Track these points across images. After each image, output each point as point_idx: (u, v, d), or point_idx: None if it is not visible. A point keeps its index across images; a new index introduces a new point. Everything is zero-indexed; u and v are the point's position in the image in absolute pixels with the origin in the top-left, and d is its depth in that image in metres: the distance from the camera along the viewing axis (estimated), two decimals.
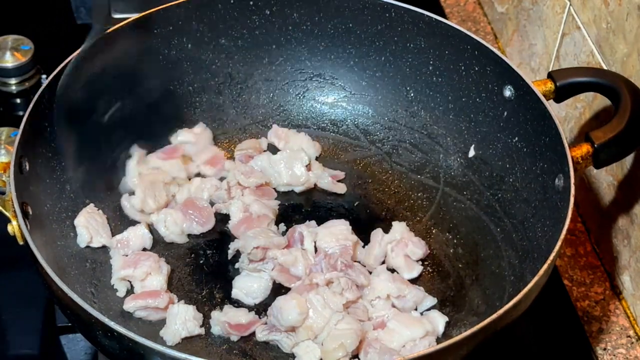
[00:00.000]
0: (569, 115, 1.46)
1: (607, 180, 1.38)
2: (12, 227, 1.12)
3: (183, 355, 0.97)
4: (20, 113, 1.24)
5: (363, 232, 1.33)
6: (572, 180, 1.16)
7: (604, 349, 1.31)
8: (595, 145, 1.20)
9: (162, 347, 0.98)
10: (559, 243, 1.10)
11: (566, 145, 1.20)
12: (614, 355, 1.31)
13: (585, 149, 1.21)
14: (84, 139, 1.27)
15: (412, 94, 1.44)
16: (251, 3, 1.42)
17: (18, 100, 1.58)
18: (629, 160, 1.32)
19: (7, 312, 1.31)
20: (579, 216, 1.46)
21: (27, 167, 1.19)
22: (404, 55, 1.43)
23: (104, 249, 1.28)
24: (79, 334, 1.24)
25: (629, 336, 1.33)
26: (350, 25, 1.43)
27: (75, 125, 1.26)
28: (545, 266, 1.09)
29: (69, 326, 1.27)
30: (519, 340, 1.31)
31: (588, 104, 1.40)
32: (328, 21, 1.44)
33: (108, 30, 1.31)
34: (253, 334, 1.20)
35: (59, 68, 1.25)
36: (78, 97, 1.26)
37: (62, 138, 1.24)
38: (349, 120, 1.48)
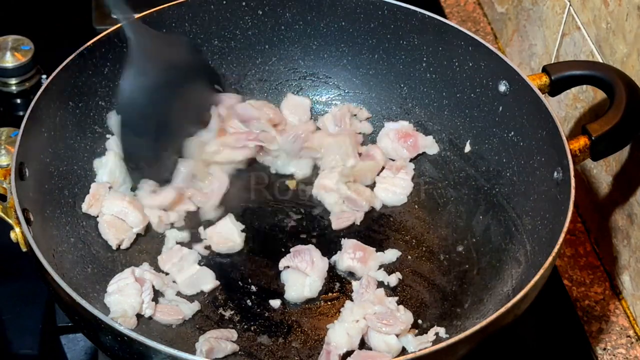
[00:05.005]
0: (569, 115, 1.47)
1: (606, 180, 1.38)
2: (15, 234, 1.11)
3: (196, 358, 0.97)
4: (21, 113, 1.24)
5: (362, 232, 1.34)
6: (572, 173, 1.17)
7: (604, 349, 1.32)
8: (593, 138, 1.21)
9: (174, 350, 0.98)
10: (562, 235, 1.11)
11: (564, 138, 1.20)
12: (614, 355, 1.31)
13: (582, 141, 1.21)
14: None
15: (406, 91, 1.45)
16: (243, 4, 1.42)
17: (18, 101, 1.58)
18: (628, 159, 1.32)
19: (7, 312, 1.30)
20: (578, 216, 1.47)
21: (27, 173, 1.19)
22: (397, 52, 1.43)
23: (104, 253, 1.28)
24: (79, 334, 1.25)
25: (629, 336, 1.33)
26: (343, 23, 1.44)
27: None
28: (550, 259, 1.09)
29: (69, 326, 1.26)
30: (519, 340, 1.31)
31: (588, 103, 1.41)
32: (321, 20, 1.44)
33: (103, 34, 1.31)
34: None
35: (57, 70, 1.25)
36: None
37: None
38: None
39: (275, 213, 1.37)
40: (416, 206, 1.38)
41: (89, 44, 1.30)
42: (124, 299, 1.20)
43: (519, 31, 1.64)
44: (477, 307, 1.24)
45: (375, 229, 1.36)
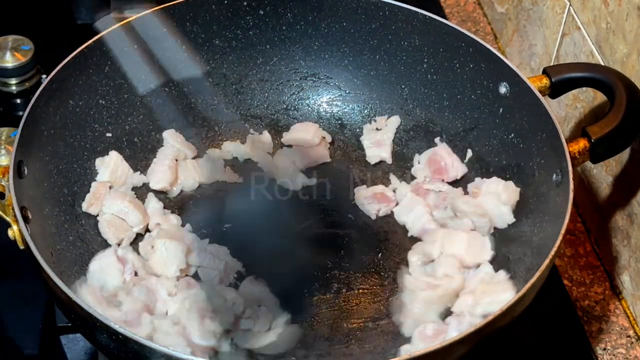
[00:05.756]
0: (569, 115, 1.47)
1: (607, 180, 1.38)
2: (13, 232, 1.12)
3: (190, 357, 0.97)
4: (20, 113, 1.24)
5: (362, 233, 1.35)
6: (571, 176, 1.16)
7: (604, 349, 1.31)
8: (592, 140, 1.21)
9: (168, 349, 0.99)
10: (559, 238, 1.11)
11: (563, 141, 1.20)
12: (614, 355, 1.31)
13: (582, 144, 1.21)
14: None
15: (406, 92, 1.44)
16: (245, 4, 1.42)
17: (18, 101, 1.57)
18: (628, 160, 1.32)
19: (7, 312, 1.29)
20: (578, 216, 1.46)
21: (26, 171, 1.19)
22: (398, 53, 1.43)
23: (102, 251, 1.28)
24: (79, 334, 1.24)
25: (629, 336, 1.33)
26: (344, 24, 1.43)
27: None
28: (547, 261, 1.09)
29: (69, 326, 1.26)
30: (519, 340, 1.30)
31: (588, 104, 1.41)
32: (322, 20, 1.44)
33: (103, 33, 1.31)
34: None
35: (57, 68, 1.25)
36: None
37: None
38: (344, 120, 1.48)
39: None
40: None
41: (89, 42, 1.30)
42: (106, 279, 1.20)
43: (519, 31, 1.63)
44: None
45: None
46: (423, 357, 1.02)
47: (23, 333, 1.27)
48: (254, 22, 1.43)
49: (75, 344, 1.27)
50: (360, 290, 1.28)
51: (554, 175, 1.21)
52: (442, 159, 1.38)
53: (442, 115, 1.42)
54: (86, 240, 1.27)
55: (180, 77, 1.41)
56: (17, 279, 1.33)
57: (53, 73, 1.25)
